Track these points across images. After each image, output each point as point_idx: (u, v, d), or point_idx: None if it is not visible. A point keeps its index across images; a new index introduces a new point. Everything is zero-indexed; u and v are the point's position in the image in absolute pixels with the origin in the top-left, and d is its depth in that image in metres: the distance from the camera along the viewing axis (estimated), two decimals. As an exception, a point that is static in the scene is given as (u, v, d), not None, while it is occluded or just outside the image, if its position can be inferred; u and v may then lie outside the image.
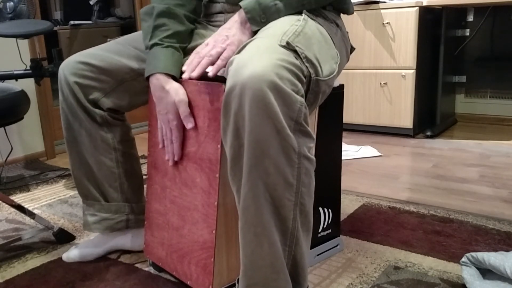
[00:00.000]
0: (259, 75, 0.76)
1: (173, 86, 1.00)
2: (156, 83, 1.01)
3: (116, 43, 1.17)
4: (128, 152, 1.25)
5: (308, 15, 0.96)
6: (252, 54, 0.80)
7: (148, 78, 1.03)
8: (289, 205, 0.82)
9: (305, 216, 0.86)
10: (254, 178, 0.79)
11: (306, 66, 0.84)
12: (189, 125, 1.01)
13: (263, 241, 0.82)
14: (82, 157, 1.21)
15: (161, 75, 1.00)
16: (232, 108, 0.80)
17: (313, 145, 0.85)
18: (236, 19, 0.97)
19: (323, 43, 0.93)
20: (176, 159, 1.06)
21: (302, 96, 0.81)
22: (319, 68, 0.87)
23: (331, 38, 0.99)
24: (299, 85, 0.81)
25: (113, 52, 1.14)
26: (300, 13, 0.96)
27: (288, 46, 0.83)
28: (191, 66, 0.96)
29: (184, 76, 0.98)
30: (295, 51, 0.83)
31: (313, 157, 0.85)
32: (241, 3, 0.94)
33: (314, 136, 0.88)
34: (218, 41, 0.94)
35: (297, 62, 0.82)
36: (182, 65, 1.03)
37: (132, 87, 1.16)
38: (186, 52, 1.07)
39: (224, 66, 0.93)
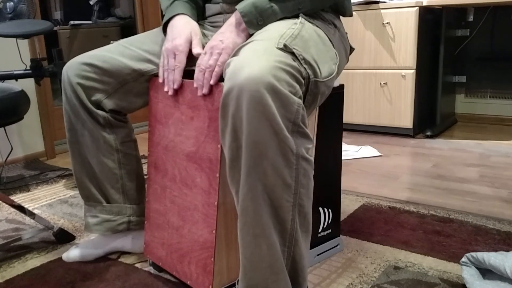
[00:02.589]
0: (256, 77, 0.76)
1: (192, 22, 1.08)
2: (174, 21, 1.08)
3: (119, 44, 1.17)
4: (131, 153, 1.25)
5: (305, 18, 0.96)
6: (249, 57, 0.80)
7: (166, 26, 1.10)
8: (288, 206, 0.82)
9: (303, 217, 0.86)
10: (253, 180, 0.79)
11: (305, 68, 0.84)
12: (197, 49, 1.03)
13: (262, 242, 0.82)
14: (84, 158, 1.21)
15: (181, 15, 1.09)
16: (230, 110, 0.80)
17: (311, 146, 0.85)
18: (230, 22, 0.97)
19: (321, 45, 0.93)
20: (175, 86, 1.04)
21: (300, 97, 0.81)
22: (317, 70, 0.87)
23: (330, 40, 0.99)
24: (297, 86, 0.81)
25: (115, 53, 1.15)
26: (297, 16, 0.96)
27: (286, 49, 0.83)
28: (199, 83, 0.97)
29: (198, 94, 0.98)
30: (292, 53, 0.83)
31: (312, 158, 0.85)
32: (237, 7, 0.95)
33: (314, 137, 0.88)
34: (214, 47, 0.95)
35: (295, 64, 0.82)
36: (198, 19, 1.14)
37: (133, 88, 1.16)
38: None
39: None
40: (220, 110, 0.83)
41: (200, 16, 1.19)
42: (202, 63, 0.95)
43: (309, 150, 0.84)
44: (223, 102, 0.81)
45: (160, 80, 1.08)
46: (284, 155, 0.79)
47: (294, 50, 0.83)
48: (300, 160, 0.82)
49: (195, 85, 0.98)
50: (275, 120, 0.77)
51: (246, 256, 0.84)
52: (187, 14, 1.10)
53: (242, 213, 0.82)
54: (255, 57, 0.80)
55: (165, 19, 1.11)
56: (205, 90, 0.96)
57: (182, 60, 1.03)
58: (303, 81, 0.83)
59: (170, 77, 1.04)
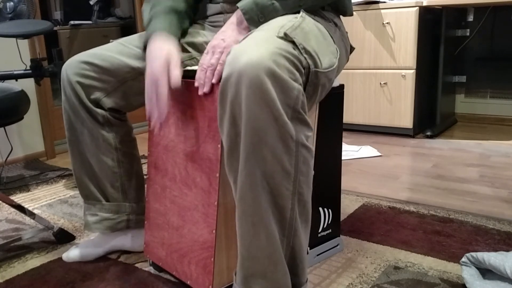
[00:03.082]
0: (256, 62, 0.75)
1: (168, 41, 1.02)
2: (150, 42, 1.02)
3: (118, 43, 1.17)
4: (130, 152, 1.25)
5: (306, 13, 0.96)
6: (249, 44, 0.80)
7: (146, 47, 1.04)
8: (287, 194, 0.81)
9: (303, 206, 0.85)
10: (251, 166, 0.78)
11: (305, 57, 0.83)
12: (175, 72, 0.97)
13: (261, 231, 0.81)
14: (84, 157, 1.21)
15: (158, 34, 1.03)
16: (228, 96, 0.79)
17: (311, 134, 0.84)
18: (232, 20, 0.97)
19: (321, 39, 0.93)
20: (162, 118, 0.98)
21: (300, 84, 0.80)
22: (318, 60, 0.86)
23: (330, 36, 0.99)
24: (297, 73, 0.80)
25: (115, 51, 1.15)
26: (298, 12, 0.96)
27: (286, 37, 0.82)
28: (201, 82, 0.96)
29: (199, 93, 0.97)
30: (293, 42, 0.83)
31: (311, 147, 0.84)
32: (238, 4, 0.95)
33: (314, 137, 0.87)
34: (216, 46, 0.94)
35: (295, 52, 0.81)
36: (183, 30, 1.12)
37: (133, 87, 1.16)
38: (192, 46, 1.10)
39: None
40: (219, 96, 0.82)
41: (191, 15, 1.18)
42: (204, 62, 0.95)
43: (309, 138, 0.83)
44: (221, 88, 0.80)
45: (147, 107, 1.01)
46: (284, 141, 0.78)
47: (295, 39, 0.83)
48: (300, 147, 0.81)
49: (196, 84, 0.97)
50: (275, 105, 0.76)
51: (244, 245, 0.83)
52: (164, 31, 1.05)
53: (240, 201, 0.81)
54: (255, 45, 0.79)
55: (144, 40, 1.07)
56: (206, 89, 0.95)
57: (163, 92, 0.97)
58: (303, 70, 0.83)
59: (154, 112, 0.99)
